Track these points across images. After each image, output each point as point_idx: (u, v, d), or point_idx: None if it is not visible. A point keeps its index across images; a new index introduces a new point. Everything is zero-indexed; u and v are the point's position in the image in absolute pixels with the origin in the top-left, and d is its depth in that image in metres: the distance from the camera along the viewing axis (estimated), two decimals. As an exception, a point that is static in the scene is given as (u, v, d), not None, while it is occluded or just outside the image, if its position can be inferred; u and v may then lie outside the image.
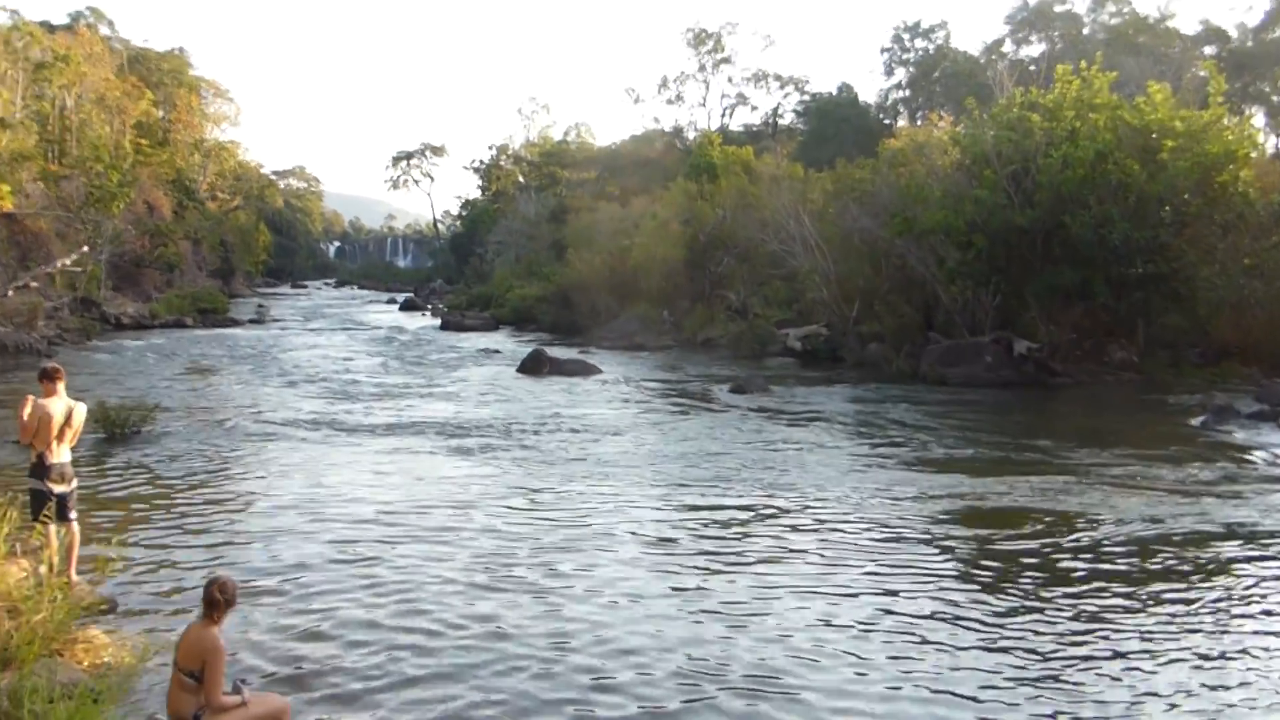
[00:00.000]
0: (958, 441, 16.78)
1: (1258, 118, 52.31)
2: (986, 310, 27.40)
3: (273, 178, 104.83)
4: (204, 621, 5.47)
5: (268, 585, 8.52)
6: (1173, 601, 8.67)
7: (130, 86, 57.53)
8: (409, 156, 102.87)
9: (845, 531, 10.81)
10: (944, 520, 11.35)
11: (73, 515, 8.08)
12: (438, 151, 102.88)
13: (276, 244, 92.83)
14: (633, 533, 10.65)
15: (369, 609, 8.03)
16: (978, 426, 18.53)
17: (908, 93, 71.85)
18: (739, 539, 10.50)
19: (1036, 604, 8.52)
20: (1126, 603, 8.60)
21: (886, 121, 67.78)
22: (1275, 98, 54.52)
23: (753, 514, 11.63)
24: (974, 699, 6.66)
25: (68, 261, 35.77)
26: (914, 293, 29.92)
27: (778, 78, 74.58)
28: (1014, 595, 8.76)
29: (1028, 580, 9.19)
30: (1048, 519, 11.43)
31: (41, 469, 7.89)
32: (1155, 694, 6.75)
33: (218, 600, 5.48)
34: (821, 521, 11.26)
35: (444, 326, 44.24)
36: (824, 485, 13.17)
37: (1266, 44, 54.18)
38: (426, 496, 12.04)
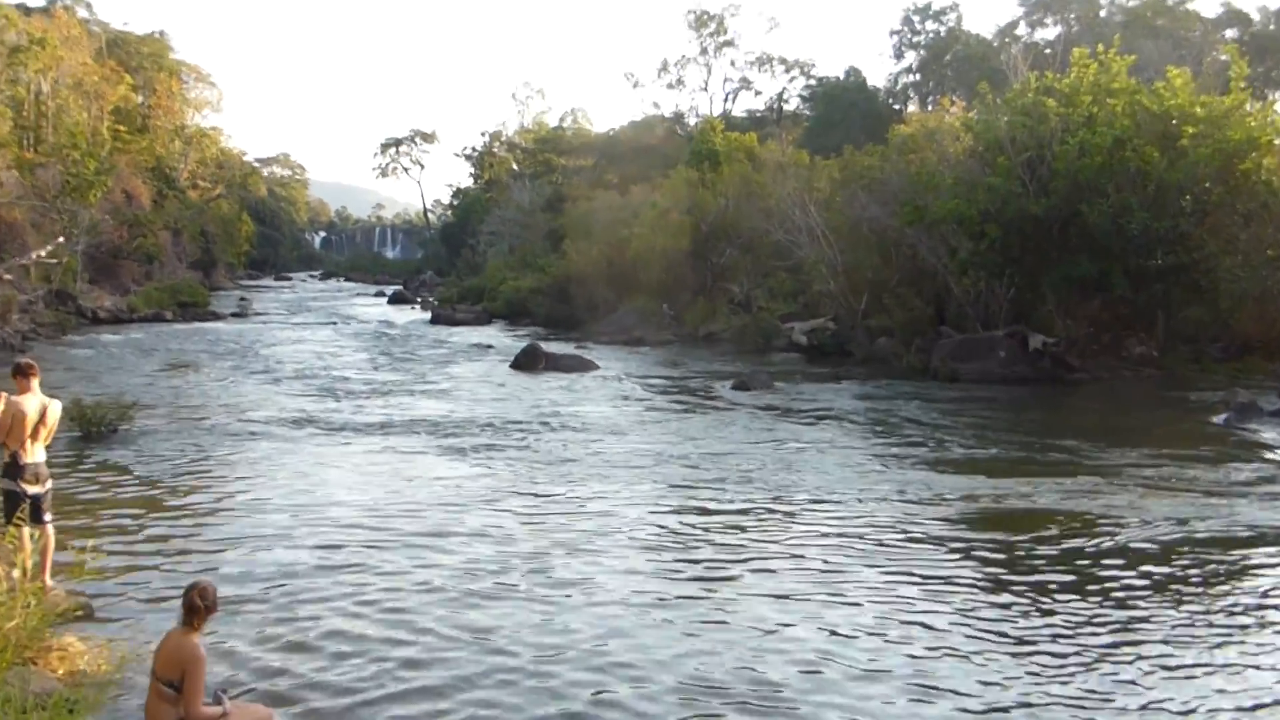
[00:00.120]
0: (972, 440, 16.73)
1: (1281, 103, 52.25)
2: (1000, 303, 27.33)
3: (256, 165, 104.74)
4: (183, 629, 5.43)
5: (250, 592, 8.45)
6: (1202, 608, 8.60)
7: (109, 71, 57.39)
8: (398, 143, 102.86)
9: (855, 537, 10.74)
10: (960, 524, 11.29)
11: (48, 517, 8.02)
12: (428, 138, 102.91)
13: (260, 234, 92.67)
14: (632, 537, 10.58)
15: (356, 618, 7.95)
16: (993, 425, 18.48)
17: (918, 77, 71.69)
18: (744, 544, 10.43)
19: (1060, 612, 8.44)
20: (1154, 611, 8.52)
21: (896, 107, 67.62)
22: (1299, 82, 54.45)
23: (758, 518, 11.56)
24: (993, 714, 6.61)
25: (42, 253, 35.67)
26: (925, 285, 29.86)
27: (783, 61, 74.48)
28: (1036, 603, 8.68)
29: (1051, 587, 9.11)
30: (1069, 521, 11.36)
31: (15, 469, 7.83)
32: (1185, 708, 6.68)
33: (198, 606, 5.44)
34: (831, 526, 11.19)
35: (434, 320, 44.14)
36: (833, 487, 13.11)
37: (1290, 26, 54.11)
38: (416, 499, 11.97)
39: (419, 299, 59.95)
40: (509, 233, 63.98)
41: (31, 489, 7.85)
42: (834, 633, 7.91)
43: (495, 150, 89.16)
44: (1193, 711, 6.65)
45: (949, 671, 7.20)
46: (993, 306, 27.63)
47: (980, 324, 27.54)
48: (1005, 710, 6.65)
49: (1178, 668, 7.33)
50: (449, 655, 7.29)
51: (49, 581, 7.80)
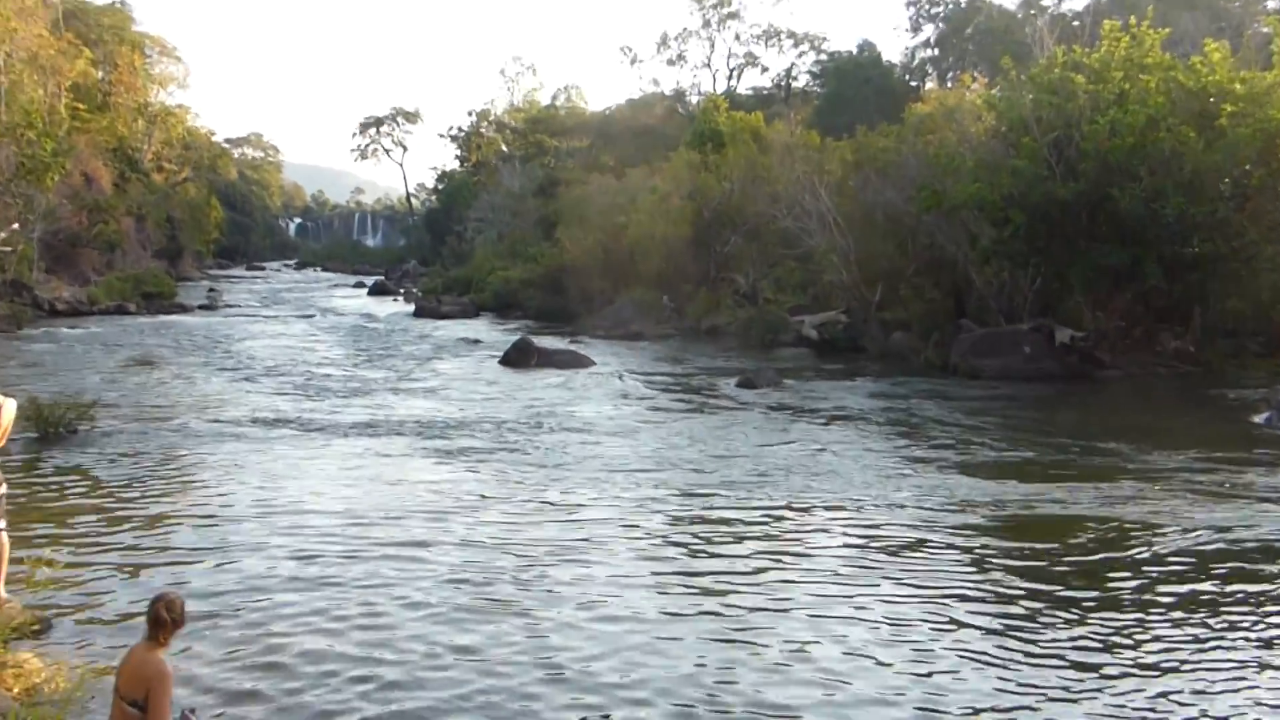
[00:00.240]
0: (996, 443, 16.73)
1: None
2: (1025, 294, 27.32)
3: (226, 146, 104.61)
4: (148, 644, 5.40)
5: (220, 607, 8.40)
6: (1247, 626, 8.55)
7: (66, 44, 57.21)
8: (379, 123, 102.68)
9: (872, 547, 10.71)
10: (985, 533, 11.26)
11: (1, 525, 7.98)
12: (411, 117, 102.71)
13: (230, 220, 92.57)
14: (630, 547, 10.55)
15: (333, 636, 7.91)
16: (1018, 425, 18.48)
17: (936, 51, 71.62)
18: (750, 555, 10.39)
19: (1091, 631, 8.40)
20: (1196, 630, 8.47)
21: (913, 84, 67.67)
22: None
23: (766, 527, 11.53)
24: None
25: (-5, 240, 35.57)
26: (944, 275, 29.86)
27: (791, 35, 74.50)
28: (1065, 620, 8.64)
29: (1082, 601, 9.07)
30: (1101, 529, 11.34)
31: (-37, 475, 7.80)
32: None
33: (164, 620, 5.41)
34: (845, 536, 11.17)
35: (418, 313, 44.15)
36: (846, 493, 13.09)
37: (1336, -3, 54.03)
38: (399, 506, 11.94)
39: (401, 290, 59.98)
40: (498, 219, 63.95)
41: (-17, 495, 7.81)
42: (849, 653, 7.86)
43: (483, 131, 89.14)
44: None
45: (970, 697, 7.16)
46: (1016, 298, 27.61)
47: (1003, 317, 27.51)
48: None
49: (1221, 692, 7.29)
50: (431, 677, 7.24)
51: (2, 594, 7.78)
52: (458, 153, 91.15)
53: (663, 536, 11.01)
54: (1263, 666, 7.73)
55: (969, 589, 9.38)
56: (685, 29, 74.76)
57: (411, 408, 19.46)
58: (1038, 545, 10.74)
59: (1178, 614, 8.80)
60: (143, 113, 73.09)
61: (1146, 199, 24.79)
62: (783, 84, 75.17)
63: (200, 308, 44.99)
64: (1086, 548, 10.70)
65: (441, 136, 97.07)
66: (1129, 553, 10.52)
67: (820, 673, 7.46)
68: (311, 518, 11.31)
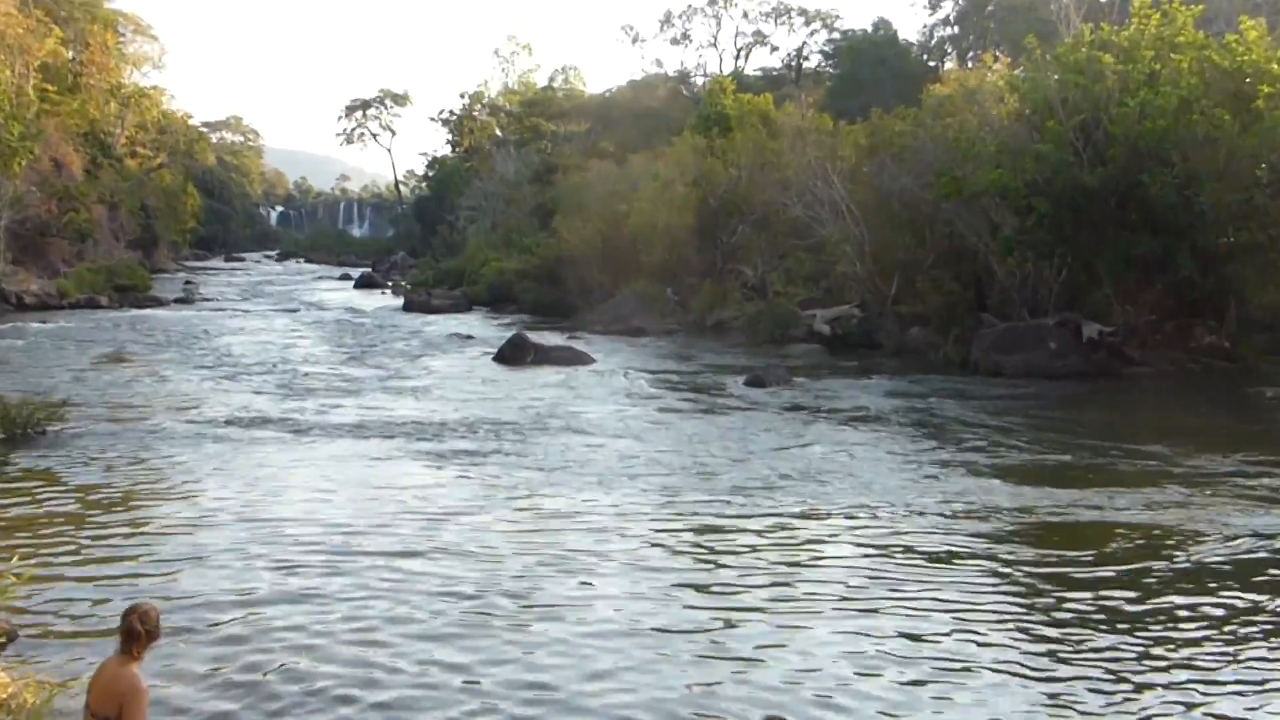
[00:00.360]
0: (1021, 444, 16.69)
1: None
2: (1050, 287, 27.27)
3: (203, 130, 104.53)
4: (121, 657, 5.35)
5: (195, 621, 8.37)
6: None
7: (35, 22, 57.16)
8: (365, 106, 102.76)
9: (891, 558, 10.66)
10: (1010, 540, 11.21)
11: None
12: (399, 100, 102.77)
13: (208, 209, 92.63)
14: (632, 558, 10.50)
15: (316, 653, 7.87)
16: (1044, 426, 18.43)
17: (956, 30, 71.50)
18: (760, 565, 10.36)
19: (1124, 642, 8.35)
20: (1238, 646, 8.40)
21: (931, 64, 67.52)
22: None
23: (775, 534, 11.49)
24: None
25: (-40, 230, 35.56)
26: (963, 267, 29.81)
27: (802, 13, 74.48)
28: (1099, 632, 8.59)
29: (1118, 612, 9.01)
30: (1135, 536, 11.31)
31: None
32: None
33: (138, 632, 5.36)
34: (862, 546, 11.12)
35: (407, 307, 44.16)
36: (862, 499, 13.04)
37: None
38: (387, 512, 11.91)
39: (390, 283, 59.94)
40: (492, 208, 63.95)
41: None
42: (864, 672, 7.81)
43: (476, 114, 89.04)
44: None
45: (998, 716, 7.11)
46: (1041, 291, 27.57)
47: (1027, 311, 27.47)
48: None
49: (1260, 708, 7.24)
50: (421, 696, 7.21)
51: (-35, 607, 7.73)
52: (449, 137, 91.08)
53: (668, 546, 10.96)
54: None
55: (997, 601, 9.33)
56: (690, 6, 74.81)
57: (400, 408, 19.44)
58: (1069, 553, 10.70)
59: (1220, 625, 8.75)
60: (115, 95, 73.01)
61: (1178, 186, 24.73)
62: (793, 64, 75.13)
63: (176, 301, 45.03)
64: (1121, 556, 10.66)
65: (432, 120, 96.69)
66: (1167, 561, 10.47)
67: (832, 692, 7.41)
68: (294, 525, 11.27)
